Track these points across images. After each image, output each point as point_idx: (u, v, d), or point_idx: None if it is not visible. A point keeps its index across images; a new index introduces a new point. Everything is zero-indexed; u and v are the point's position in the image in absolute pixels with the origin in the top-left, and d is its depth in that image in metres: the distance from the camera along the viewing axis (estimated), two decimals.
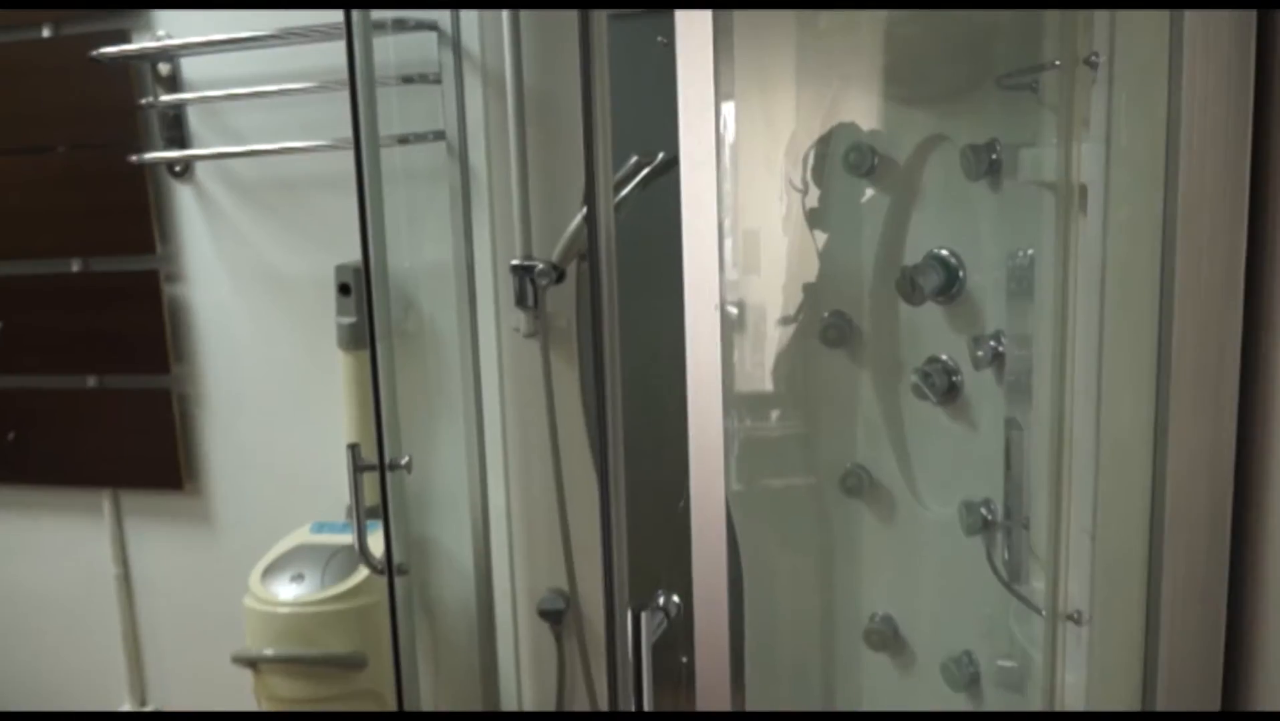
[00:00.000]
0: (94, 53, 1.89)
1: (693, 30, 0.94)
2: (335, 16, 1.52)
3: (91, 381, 2.13)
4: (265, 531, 2.07)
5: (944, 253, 1.38)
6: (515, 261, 1.70)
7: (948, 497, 1.43)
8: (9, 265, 2.14)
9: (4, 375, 2.18)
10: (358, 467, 1.49)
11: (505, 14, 1.67)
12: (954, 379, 1.40)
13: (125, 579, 2.21)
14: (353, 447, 1.49)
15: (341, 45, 1.41)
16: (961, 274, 1.37)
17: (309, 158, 1.89)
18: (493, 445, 1.86)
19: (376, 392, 1.50)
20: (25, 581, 2.29)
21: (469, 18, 1.72)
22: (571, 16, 1.65)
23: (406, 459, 1.54)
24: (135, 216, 2.01)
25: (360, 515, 1.50)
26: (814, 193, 1.49)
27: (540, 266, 1.67)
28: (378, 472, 1.49)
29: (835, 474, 1.54)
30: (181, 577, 2.17)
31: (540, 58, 1.69)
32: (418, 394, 1.86)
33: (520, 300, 1.71)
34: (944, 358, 1.41)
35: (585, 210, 1.43)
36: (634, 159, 1.54)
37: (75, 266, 2.10)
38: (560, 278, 1.67)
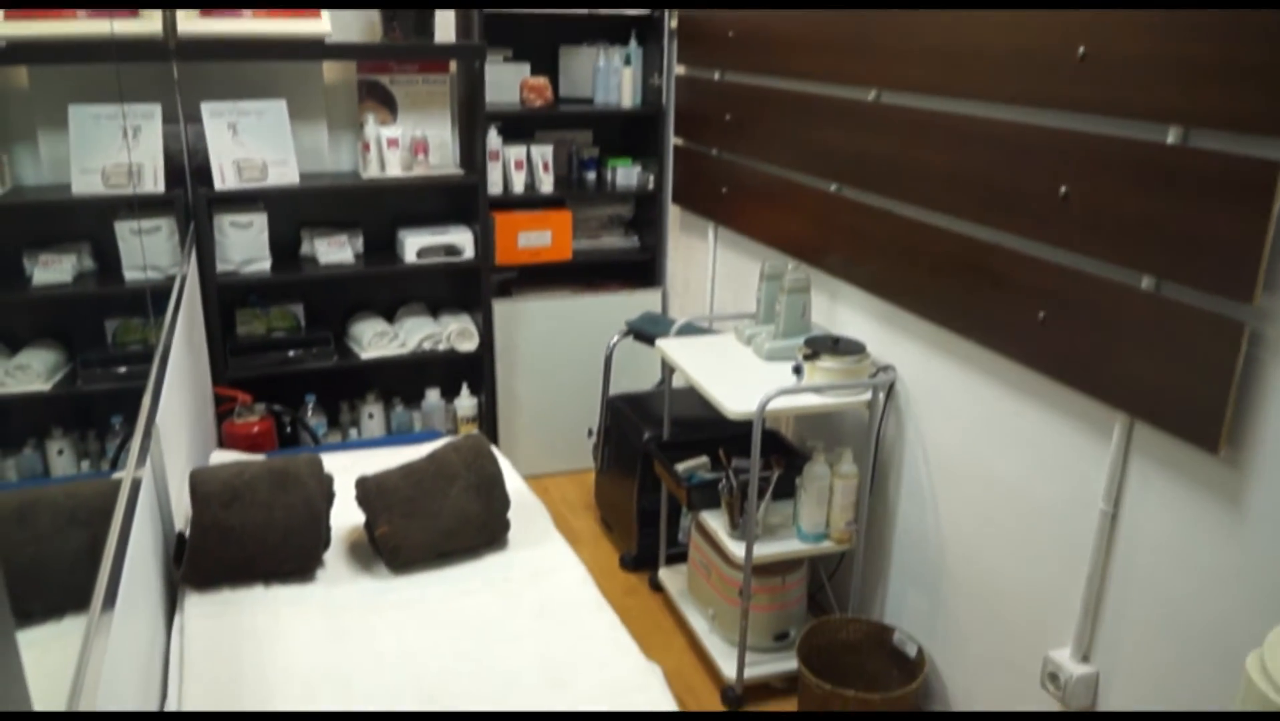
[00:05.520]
0: None
1: None
2: None
3: (1146, 282, 1.71)
4: None
5: None
6: None
7: None
8: (1094, 121, 1.79)
9: (1057, 249, 1.89)
10: None
11: None
12: None
13: (1112, 519, 1.85)
14: None
15: None
16: None
17: None
18: None
19: None
20: (1009, 473, 2.10)
21: None
22: None
23: None
24: (1267, 81, 1.45)
25: None
26: None
27: None
28: None
29: None
30: (1181, 555, 1.71)
31: None
32: None
33: None
34: None
35: None
36: None
37: (1171, 137, 1.64)
38: None
